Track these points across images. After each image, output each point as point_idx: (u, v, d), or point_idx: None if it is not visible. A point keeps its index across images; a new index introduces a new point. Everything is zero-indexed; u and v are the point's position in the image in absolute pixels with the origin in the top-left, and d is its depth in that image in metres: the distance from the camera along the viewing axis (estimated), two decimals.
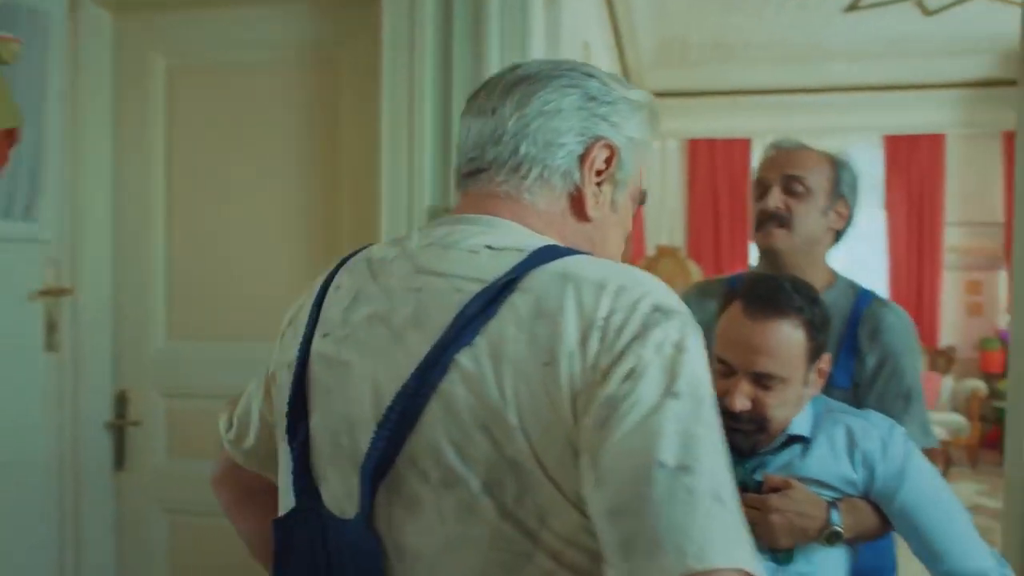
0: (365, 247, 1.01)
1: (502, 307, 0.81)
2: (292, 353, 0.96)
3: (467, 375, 0.80)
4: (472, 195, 0.96)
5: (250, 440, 1.10)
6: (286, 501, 0.95)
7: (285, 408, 0.94)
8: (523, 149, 0.92)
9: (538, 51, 2.15)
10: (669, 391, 0.75)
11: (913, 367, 1.71)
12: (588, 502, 0.75)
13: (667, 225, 7.75)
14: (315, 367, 0.92)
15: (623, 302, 0.80)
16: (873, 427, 1.36)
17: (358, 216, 2.30)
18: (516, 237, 0.89)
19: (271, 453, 1.04)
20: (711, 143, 7.61)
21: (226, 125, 2.41)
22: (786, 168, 1.73)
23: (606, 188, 0.97)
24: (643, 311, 0.80)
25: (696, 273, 6.74)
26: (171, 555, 2.49)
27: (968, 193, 7.37)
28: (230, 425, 1.14)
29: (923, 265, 7.35)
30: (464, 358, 0.80)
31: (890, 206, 7.43)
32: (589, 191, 0.95)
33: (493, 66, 2.07)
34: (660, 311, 0.80)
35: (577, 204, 0.95)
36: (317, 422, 0.91)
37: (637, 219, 7.20)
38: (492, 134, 0.94)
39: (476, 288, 0.83)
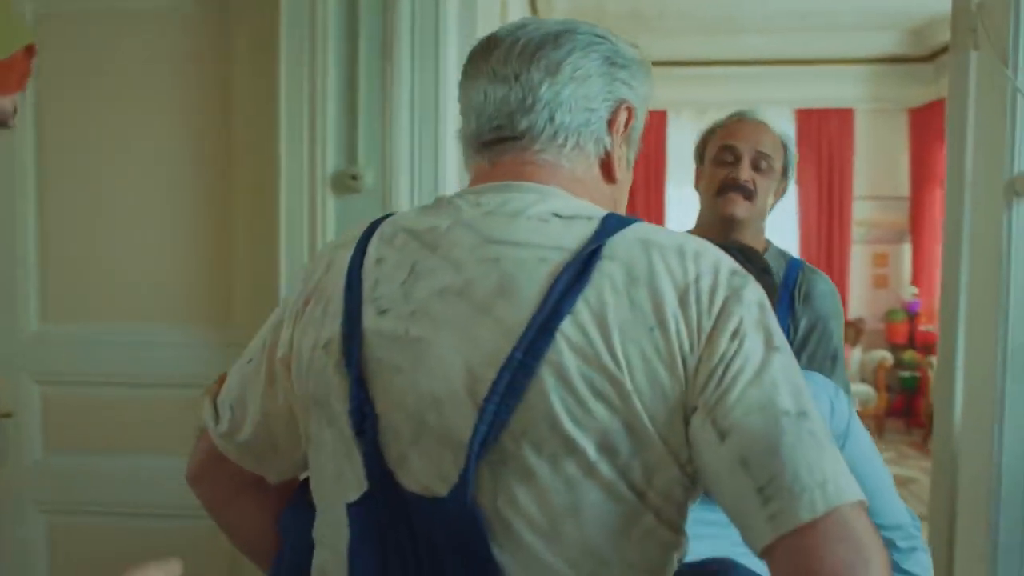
0: (385, 217, 0.99)
1: (594, 275, 0.82)
2: (324, 332, 0.91)
3: (575, 344, 0.80)
4: (507, 163, 0.95)
5: (246, 432, 1.01)
6: (336, 487, 0.92)
7: (325, 391, 0.91)
8: (559, 118, 0.93)
9: (452, 1, 1.98)
10: (770, 346, 0.82)
11: (839, 331, 1.89)
12: (705, 456, 0.80)
13: None
14: (374, 346, 0.88)
15: (705, 266, 0.84)
16: (821, 390, 1.42)
17: (253, 184, 2.10)
18: (576, 204, 0.91)
19: (272, 445, 1.01)
20: None
21: (103, 82, 2.16)
22: (757, 145, 1.84)
23: (624, 149, 1.00)
24: (725, 274, 0.85)
25: None
26: (51, 558, 2.27)
27: (875, 168, 7.50)
28: (217, 416, 1.03)
29: (832, 238, 7.46)
30: (568, 327, 0.81)
31: (801, 179, 7.49)
32: (616, 154, 0.98)
33: (403, 16, 1.89)
34: (738, 274, 0.86)
35: (606, 168, 0.98)
36: (388, 403, 0.87)
37: None
38: (521, 103, 0.93)
39: (561, 257, 0.84)
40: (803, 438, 0.77)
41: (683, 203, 7.49)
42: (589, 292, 0.82)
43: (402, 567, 0.87)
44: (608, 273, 0.83)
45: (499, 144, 0.95)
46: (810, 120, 7.50)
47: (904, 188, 7.47)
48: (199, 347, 2.16)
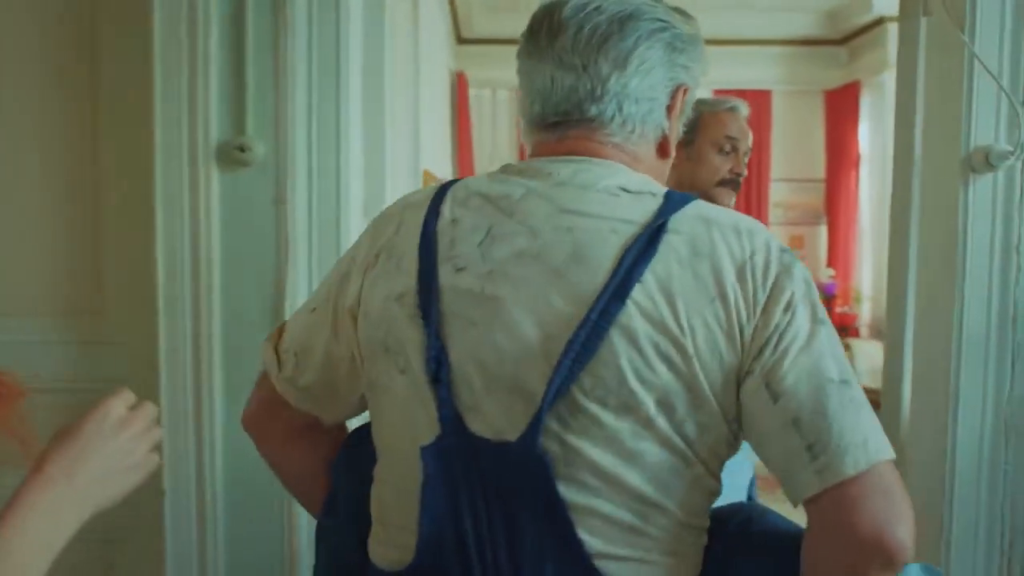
0: (455, 181, 1.05)
1: (661, 247, 0.91)
2: (397, 286, 0.98)
3: (644, 310, 0.90)
4: (573, 138, 1.02)
5: (309, 376, 1.09)
6: (406, 431, 0.99)
7: (398, 340, 0.98)
8: (626, 108, 1.01)
9: None
10: (816, 319, 0.91)
11: None
12: (758, 416, 0.91)
13: None
14: (450, 301, 0.96)
15: (758, 244, 0.94)
16: None
17: (125, 157, 1.81)
18: (639, 180, 1.00)
19: (332, 388, 1.09)
20: None
21: None
22: (749, 142, 1.94)
23: (677, 125, 1.07)
24: (776, 252, 0.94)
25: None
26: None
27: (791, 149, 7.50)
28: (279, 362, 1.11)
29: None
30: (638, 294, 0.90)
31: None
32: (672, 135, 1.06)
33: None
34: (786, 252, 0.95)
35: (663, 146, 1.06)
36: (461, 354, 0.94)
37: (469, 167, 6.85)
38: (590, 93, 1.00)
39: (631, 229, 0.93)
40: (845, 403, 0.87)
41: None
42: (656, 263, 0.91)
43: (471, 505, 0.94)
44: (674, 246, 0.92)
45: (567, 124, 1.02)
46: None
47: (820, 170, 7.48)
48: (67, 345, 1.88)
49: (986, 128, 1.75)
